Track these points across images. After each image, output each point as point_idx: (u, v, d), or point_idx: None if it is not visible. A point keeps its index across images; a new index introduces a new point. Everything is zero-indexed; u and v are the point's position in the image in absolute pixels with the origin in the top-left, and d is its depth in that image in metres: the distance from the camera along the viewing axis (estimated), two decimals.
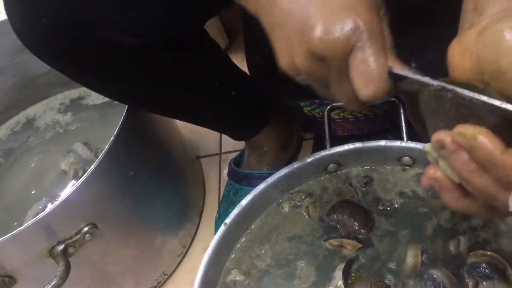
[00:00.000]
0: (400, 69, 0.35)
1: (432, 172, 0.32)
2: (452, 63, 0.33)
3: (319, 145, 0.90)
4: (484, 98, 0.29)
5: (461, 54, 0.31)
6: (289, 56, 0.38)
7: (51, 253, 0.63)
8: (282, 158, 0.84)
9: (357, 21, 0.35)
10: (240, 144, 0.92)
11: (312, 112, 0.93)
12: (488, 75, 0.29)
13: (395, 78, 0.37)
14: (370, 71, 0.35)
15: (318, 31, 0.35)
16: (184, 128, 0.96)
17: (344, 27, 0.35)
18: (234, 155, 0.92)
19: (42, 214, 0.60)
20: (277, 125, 0.80)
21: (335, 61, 0.36)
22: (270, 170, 0.80)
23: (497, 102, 0.28)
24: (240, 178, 0.84)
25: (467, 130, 0.29)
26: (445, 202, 0.33)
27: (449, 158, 0.30)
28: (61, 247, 0.63)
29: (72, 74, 0.61)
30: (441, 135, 0.30)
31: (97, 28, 0.52)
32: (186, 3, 0.54)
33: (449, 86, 0.31)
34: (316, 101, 0.92)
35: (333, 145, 0.67)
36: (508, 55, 0.28)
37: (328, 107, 0.72)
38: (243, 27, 0.89)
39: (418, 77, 0.34)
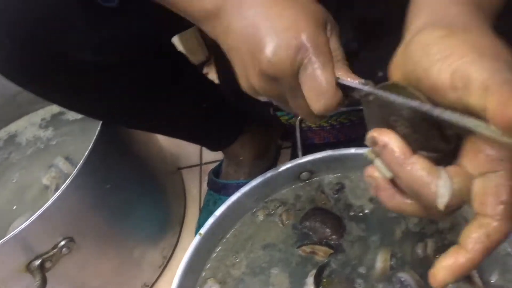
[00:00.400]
0: (346, 80, 0.37)
1: (370, 171, 0.34)
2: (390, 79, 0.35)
3: (296, 154, 0.91)
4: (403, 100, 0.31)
5: (394, 70, 0.33)
6: (246, 77, 0.40)
7: (28, 268, 0.64)
8: (259, 167, 0.86)
9: (300, 39, 0.36)
10: (220, 155, 0.93)
11: (289, 121, 0.94)
12: (413, 85, 0.31)
13: (346, 88, 0.39)
14: (318, 85, 0.37)
15: (266, 53, 0.37)
16: (165, 140, 0.97)
17: (288, 47, 0.36)
18: (214, 166, 0.93)
19: (18, 229, 0.61)
20: (253, 134, 0.82)
21: (286, 79, 0.38)
22: (247, 179, 0.81)
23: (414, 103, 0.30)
24: (219, 188, 0.85)
25: (380, 135, 0.31)
26: (382, 201, 0.34)
27: (381, 153, 0.32)
28: (38, 262, 0.64)
29: (40, 93, 0.62)
30: (373, 133, 0.32)
31: (60, 48, 0.54)
32: (146, 23, 0.56)
33: (377, 92, 0.33)
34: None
35: (309, 153, 0.68)
36: (418, 64, 0.30)
37: (299, 117, 0.74)
38: (213, 45, 0.90)
39: (359, 86, 0.35)
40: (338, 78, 0.37)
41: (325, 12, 0.40)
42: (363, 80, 0.37)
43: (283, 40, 0.37)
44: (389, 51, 0.40)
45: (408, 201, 0.33)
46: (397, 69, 0.33)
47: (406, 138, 0.31)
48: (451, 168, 0.30)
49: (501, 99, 0.25)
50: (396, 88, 0.32)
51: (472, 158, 0.30)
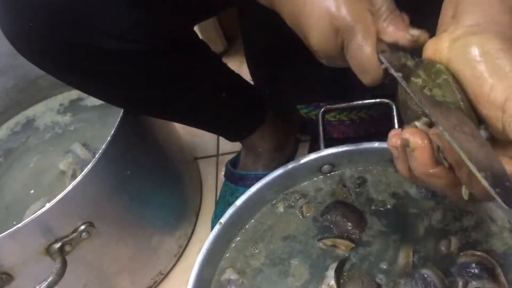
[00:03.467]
0: (383, 59, 0.37)
1: (394, 141, 0.35)
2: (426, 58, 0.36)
3: (315, 147, 0.90)
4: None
5: (434, 53, 0.33)
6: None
7: (48, 250, 0.64)
8: (278, 159, 0.85)
9: (335, 22, 0.37)
10: (237, 146, 0.93)
11: (308, 114, 0.93)
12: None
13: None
14: (360, 64, 0.37)
15: (311, 44, 0.39)
16: (182, 130, 0.97)
17: (326, 35, 0.38)
18: (231, 156, 0.93)
19: (39, 212, 0.61)
20: (272, 126, 0.81)
21: (336, 57, 0.39)
22: (265, 171, 0.81)
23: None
24: (236, 179, 0.85)
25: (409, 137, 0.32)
26: (398, 169, 0.36)
27: (408, 154, 0.33)
28: (58, 245, 0.64)
29: (62, 78, 0.62)
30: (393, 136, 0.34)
31: (84, 34, 0.54)
32: (173, 10, 0.55)
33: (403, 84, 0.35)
34: (313, 103, 0.93)
35: (328, 147, 0.68)
36: (471, 67, 0.30)
37: (322, 109, 0.73)
38: (243, 38, 0.90)
39: (392, 71, 0.36)
40: (382, 51, 0.37)
41: None
42: (411, 36, 0.37)
43: (320, 30, 0.38)
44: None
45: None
46: (437, 56, 0.33)
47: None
48: None
49: None
50: (434, 68, 0.33)
51: None
